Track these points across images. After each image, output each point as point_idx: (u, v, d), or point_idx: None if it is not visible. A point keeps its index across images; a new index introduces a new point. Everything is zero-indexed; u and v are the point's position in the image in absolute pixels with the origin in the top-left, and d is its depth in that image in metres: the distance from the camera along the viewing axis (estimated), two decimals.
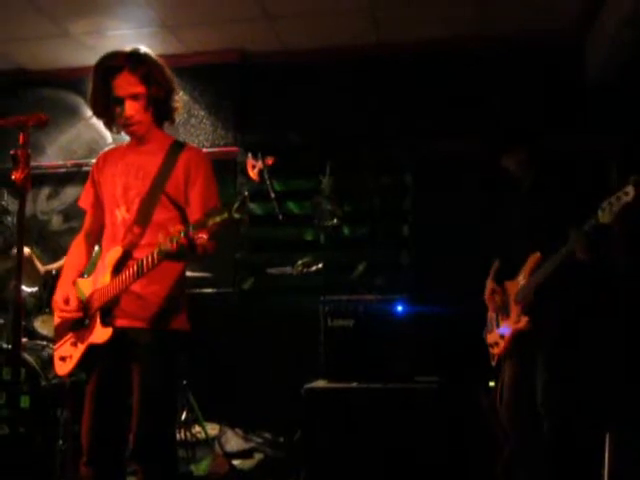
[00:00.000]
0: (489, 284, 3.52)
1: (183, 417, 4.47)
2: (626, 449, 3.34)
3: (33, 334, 4.37)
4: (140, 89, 2.62)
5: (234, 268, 5.35)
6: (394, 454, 3.80)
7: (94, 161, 2.87)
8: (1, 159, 4.18)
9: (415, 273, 5.07)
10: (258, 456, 4.59)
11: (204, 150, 3.07)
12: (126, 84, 2.61)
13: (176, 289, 2.64)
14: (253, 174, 4.60)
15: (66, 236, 5.53)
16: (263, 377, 4.99)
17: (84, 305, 2.64)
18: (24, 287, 4.30)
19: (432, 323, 4.34)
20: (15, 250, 2.70)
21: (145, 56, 2.66)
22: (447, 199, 4.98)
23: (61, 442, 3.86)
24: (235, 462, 4.42)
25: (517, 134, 3.38)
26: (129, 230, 2.63)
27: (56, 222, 5.79)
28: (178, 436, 4.28)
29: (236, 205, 2.13)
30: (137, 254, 2.56)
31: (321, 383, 4.07)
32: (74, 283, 2.71)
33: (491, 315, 3.52)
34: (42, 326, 4.39)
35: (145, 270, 2.42)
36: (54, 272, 4.37)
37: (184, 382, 4.45)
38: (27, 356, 4.06)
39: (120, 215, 2.66)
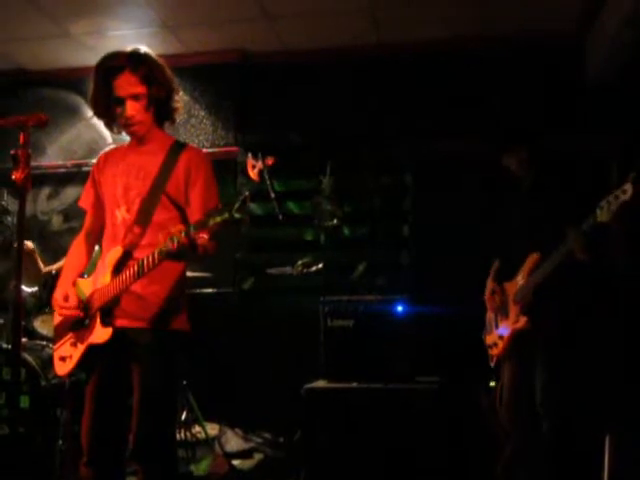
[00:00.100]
0: (489, 284, 3.52)
1: (183, 417, 4.47)
2: (626, 450, 3.33)
3: (33, 334, 4.37)
4: (141, 89, 2.62)
5: (234, 268, 5.34)
6: (394, 454, 3.80)
7: (94, 161, 2.87)
8: (1, 159, 4.19)
9: (415, 273, 5.07)
10: (258, 456, 4.60)
11: (204, 150, 3.08)
12: (127, 84, 2.60)
13: (176, 289, 2.64)
14: (253, 174, 4.60)
15: (66, 236, 5.53)
16: (263, 377, 4.99)
17: (84, 305, 2.64)
18: (24, 287, 4.30)
19: (432, 323, 4.33)
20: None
21: (146, 56, 2.66)
22: (447, 199, 4.98)
23: (61, 442, 3.86)
24: (235, 462, 4.42)
25: (517, 134, 3.38)
26: (129, 230, 2.63)
27: (56, 222, 5.79)
28: (178, 436, 4.28)
29: (237, 205, 2.13)
30: (137, 254, 2.56)
31: (321, 383, 4.07)
32: (74, 283, 2.71)
33: (490, 316, 3.52)
34: (42, 326, 4.39)
35: (145, 270, 2.42)
36: (54, 272, 4.37)
37: (184, 382, 4.45)
38: (27, 356, 4.06)
39: (120, 215, 2.66)
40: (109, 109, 2.68)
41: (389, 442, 3.81)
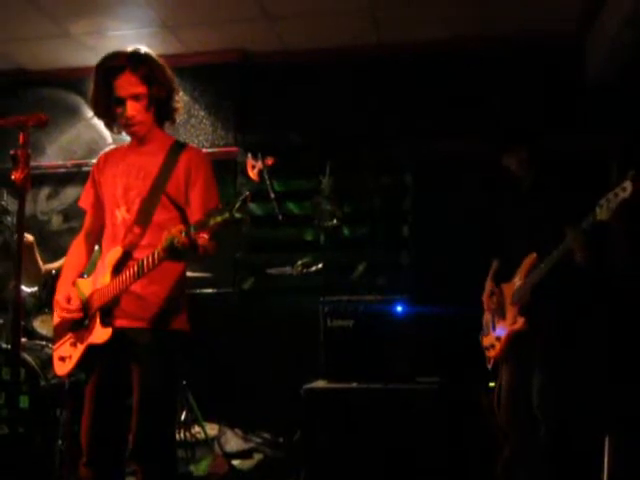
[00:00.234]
0: (488, 285, 3.51)
1: (183, 417, 4.47)
2: (626, 450, 3.33)
3: (32, 334, 4.36)
4: (141, 89, 2.62)
5: (234, 268, 5.34)
6: (394, 454, 3.79)
7: (94, 161, 2.87)
8: (1, 159, 4.18)
9: (415, 273, 5.07)
10: (257, 456, 4.59)
11: (204, 150, 3.07)
12: (127, 84, 2.60)
13: (176, 289, 2.64)
14: (253, 174, 4.59)
15: (66, 236, 5.52)
16: (263, 377, 4.99)
17: (84, 305, 2.64)
18: (24, 287, 4.29)
19: (432, 323, 4.33)
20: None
21: (146, 56, 2.66)
22: (447, 199, 4.98)
23: (60, 442, 3.86)
24: (234, 462, 4.42)
25: (517, 134, 3.38)
26: (129, 230, 2.63)
27: (56, 222, 5.79)
28: (178, 436, 4.28)
29: (237, 205, 2.13)
30: (137, 254, 2.56)
31: (321, 383, 4.07)
32: (74, 283, 2.71)
33: (487, 318, 3.52)
34: (41, 326, 4.39)
35: (146, 270, 2.42)
36: (54, 272, 4.37)
37: (184, 382, 4.45)
38: (26, 356, 4.05)
39: (120, 215, 2.66)
40: (109, 109, 2.68)
41: (389, 442, 3.81)
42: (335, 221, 4.78)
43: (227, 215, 2.14)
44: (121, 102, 2.62)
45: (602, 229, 2.81)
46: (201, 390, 4.63)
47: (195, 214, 2.57)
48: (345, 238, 5.25)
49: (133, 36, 5.11)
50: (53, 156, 5.76)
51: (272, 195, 4.53)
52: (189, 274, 2.88)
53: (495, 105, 4.76)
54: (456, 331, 4.42)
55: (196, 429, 4.57)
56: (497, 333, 3.36)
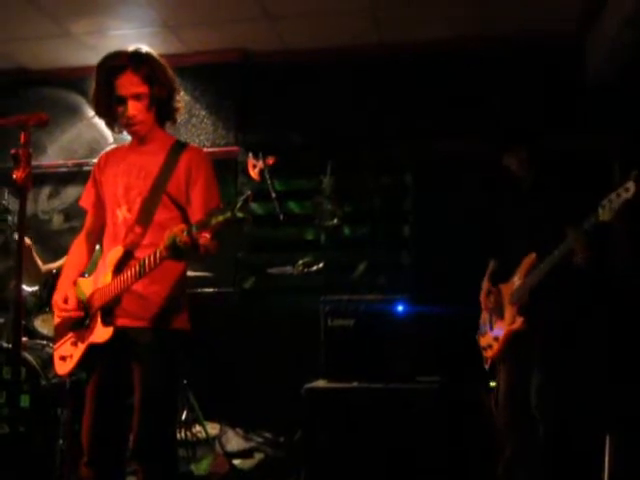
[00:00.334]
0: (485, 285, 3.51)
1: (183, 416, 4.47)
2: (626, 450, 3.33)
3: (33, 333, 4.36)
4: (143, 89, 2.62)
5: (235, 268, 5.34)
6: (395, 454, 3.80)
7: (95, 161, 2.87)
8: (2, 158, 4.17)
9: (415, 273, 5.07)
10: (258, 456, 4.59)
11: (205, 150, 3.07)
12: (129, 84, 2.61)
13: (177, 289, 2.64)
14: (254, 174, 4.60)
15: (67, 236, 5.52)
16: (263, 377, 4.99)
17: (84, 304, 2.64)
18: (24, 286, 4.30)
19: (433, 323, 4.33)
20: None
21: (148, 56, 2.67)
22: (447, 199, 4.98)
23: (61, 441, 3.86)
24: (235, 462, 4.42)
25: (517, 134, 3.38)
26: (130, 230, 2.63)
27: (57, 221, 5.79)
28: (178, 435, 4.28)
29: (239, 204, 2.13)
30: (138, 254, 2.56)
31: (321, 383, 4.07)
32: (75, 283, 2.71)
33: (484, 317, 3.51)
34: (42, 325, 4.39)
35: (147, 270, 2.42)
36: (55, 271, 4.37)
37: (185, 381, 4.45)
38: (27, 355, 4.06)
39: (121, 215, 2.67)
40: (110, 108, 2.68)
41: (389, 442, 3.81)
42: (336, 221, 4.79)
43: (229, 214, 2.14)
44: (122, 101, 2.63)
45: (604, 230, 2.81)
46: (202, 389, 4.63)
47: (196, 213, 2.57)
48: (346, 238, 5.25)
49: (134, 36, 5.11)
50: (54, 155, 5.76)
51: (273, 195, 4.53)
52: (190, 273, 2.89)
53: (495, 105, 4.76)
54: (456, 331, 4.41)
55: (197, 428, 4.57)
56: (495, 333, 3.35)
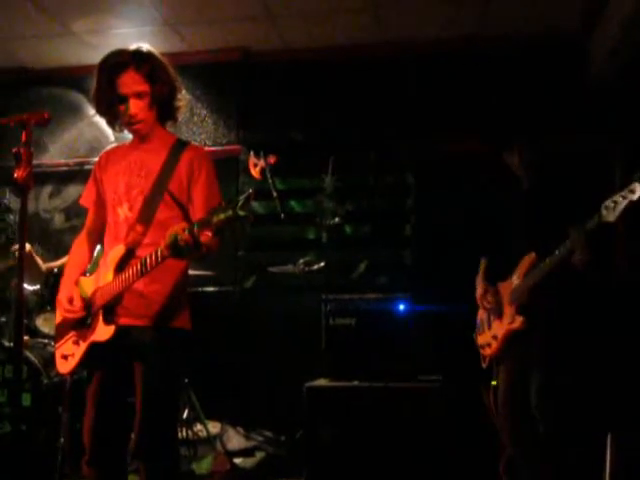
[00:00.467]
0: (480, 284, 3.50)
1: (185, 415, 4.47)
2: (628, 450, 3.33)
3: (35, 332, 4.37)
4: (144, 87, 2.62)
5: (236, 266, 5.35)
6: (396, 453, 3.80)
7: (96, 159, 2.87)
8: (3, 157, 4.19)
9: (417, 272, 5.07)
10: (259, 454, 4.59)
11: (206, 148, 3.08)
12: (131, 82, 2.61)
13: (178, 287, 2.64)
14: (255, 173, 4.60)
15: (68, 234, 5.54)
16: (265, 375, 5.00)
17: (87, 303, 2.64)
18: (26, 285, 4.30)
19: (434, 322, 4.34)
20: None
21: (149, 54, 2.66)
22: (448, 199, 4.98)
23: (62, 440, 3.87)
24: (237, 460, 4.42)
25: (517, 134, 3.37)
26: (132, 228, 2.63)
27: (58, 220, 5.80)
28: (180, 434, 4.29)
29: (241, 202, 2.12)
30: (140, 252, 2.56)
31: (323, 382, 4.07)
32: (76, 282, 2.71)
33: (482, 316, 3.50)
34: (44, 324, 4.40)
35: (148, 268, 2.42)
36: (56, 270, 4.37)
37: (186, 380, 4.45)
38: (29, 354, 4.07)
39: (123, 213, 2.66)
40: (112, 107, 2.68)
41: (391, 441, 3.81)
42: (337, 220, 4.79)
43: (230, 212, 2.13)
44: (124, 100, 2.62)
45: (606, 231, 2.79)
46: (203, 388, 4.63)
47: (198, 212, 2.57)
48: (347, 236, 5.26)
49: (136, 34, 5.12)
50: (55, 154, 5.77)
51: (274, 193, 4.53)
52: (191, 272, 2.89)
53: (496, 105, 4.76)
54: (458, 329, 4.42)
55: (198, 427, 4.58)
56: (494, 332, 3.34)
